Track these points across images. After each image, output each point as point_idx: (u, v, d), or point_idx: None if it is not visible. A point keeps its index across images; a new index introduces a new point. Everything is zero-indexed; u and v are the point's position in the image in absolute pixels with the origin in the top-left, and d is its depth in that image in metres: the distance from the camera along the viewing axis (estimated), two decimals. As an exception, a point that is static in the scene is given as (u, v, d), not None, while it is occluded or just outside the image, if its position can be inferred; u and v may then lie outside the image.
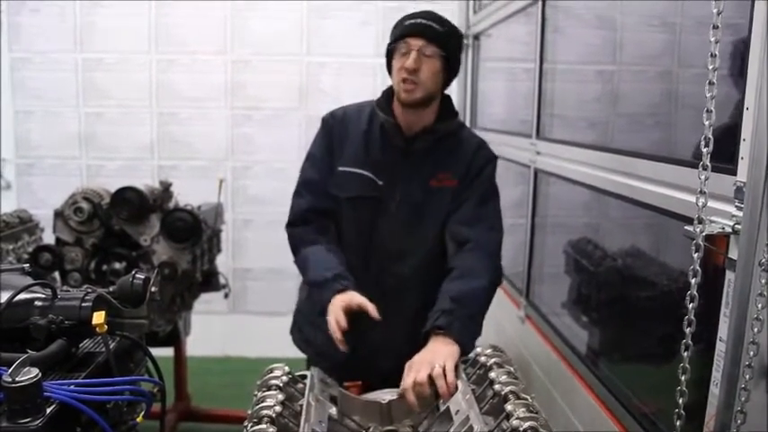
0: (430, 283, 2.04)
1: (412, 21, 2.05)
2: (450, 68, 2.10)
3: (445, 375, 1.63)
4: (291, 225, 2.21)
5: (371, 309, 1.87)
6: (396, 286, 2.14)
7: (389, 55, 2.11)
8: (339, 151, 2.17)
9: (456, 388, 1.58)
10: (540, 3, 2.90)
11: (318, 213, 2.16)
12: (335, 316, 1.86)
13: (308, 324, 2.25)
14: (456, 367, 1.66)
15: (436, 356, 1.70)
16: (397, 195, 2.12)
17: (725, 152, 1.36)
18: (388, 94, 2.17)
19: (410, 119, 2.12)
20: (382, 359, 1.99)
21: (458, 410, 1.48)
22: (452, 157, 2.15)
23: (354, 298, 1.90)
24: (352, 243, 2.16)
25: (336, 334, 1.83)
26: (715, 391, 1.36)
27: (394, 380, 1.74)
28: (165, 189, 3.08)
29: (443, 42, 2.05)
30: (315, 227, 2.16)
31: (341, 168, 2.15)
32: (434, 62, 2.03)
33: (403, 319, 2.06)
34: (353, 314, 1.88)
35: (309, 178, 2.21)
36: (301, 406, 1.47)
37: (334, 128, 2.20)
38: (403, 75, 2.02)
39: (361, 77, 4.36)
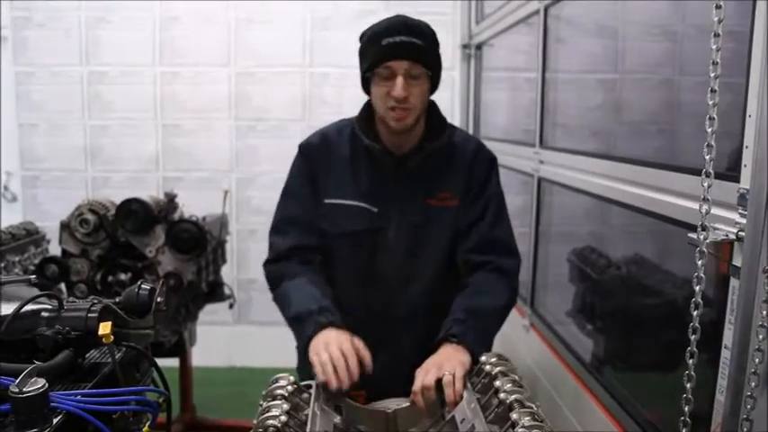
0: (440, 305, 1.92)
1: (391, 40, 1.80)
2: (435, 80, 1.93)
3: (454, 383, 1.60)
4: (271, 262, 2.03)
5: (367, 358, 1.71)
6: (404, 315, 1.99)
7: (366, 79, 1.90)
8: (324, 182, 1.99)
9: (461, 397, 1.58)
10: (542, 13, 2.91)
11: (305, 250, 1.99)
12: (329, 352, 1.67)
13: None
14: (464, 376, 1.65)
15: (448, 362, 1.66)
16: (395, 220, 1.96)
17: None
18: (368, 113, 1.98)
19: (397, 140, 1.96)
20: (390, 384, 1.82)
21: (463, 419, 1.48)
22: (449, 173, 1.99)
23: (348, 337, 1.73)
24: (350, 277, 2.00)
25: (330, 377, 1.64)
26: (720, 398, 1.36)
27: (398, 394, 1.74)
28: (170, 200, 3.09)
29: (429, 59, 1.87)
30: (297, 261, 1.97)
31: (329, 201, 1.98)
32: (423, 82, 1.86)
33: (413, 345, 1.90)
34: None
35: (292, 214, 2.02)
36: (307, 415, 1.47)
37: (315, 157, 2.02)
38: (390, 104, 1.83)
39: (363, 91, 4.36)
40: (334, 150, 2.01)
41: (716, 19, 1.23)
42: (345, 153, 1.99)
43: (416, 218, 1.96)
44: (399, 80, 1.79)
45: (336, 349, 1.67)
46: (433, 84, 1.92)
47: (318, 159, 2.01)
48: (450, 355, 1.70)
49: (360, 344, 1.72)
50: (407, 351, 1.81)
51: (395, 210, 1.96)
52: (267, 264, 2.04)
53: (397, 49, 1.80)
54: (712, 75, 1.24)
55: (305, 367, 2.04)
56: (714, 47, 1.23)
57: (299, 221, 2.00)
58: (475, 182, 2.01)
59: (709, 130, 1.26)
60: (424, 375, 1.64)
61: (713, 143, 1.26)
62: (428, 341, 1.81)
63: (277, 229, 2.04)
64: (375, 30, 1.86)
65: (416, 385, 1.64)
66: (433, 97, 1.99)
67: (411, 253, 1.98)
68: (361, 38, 1.93)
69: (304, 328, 1.78)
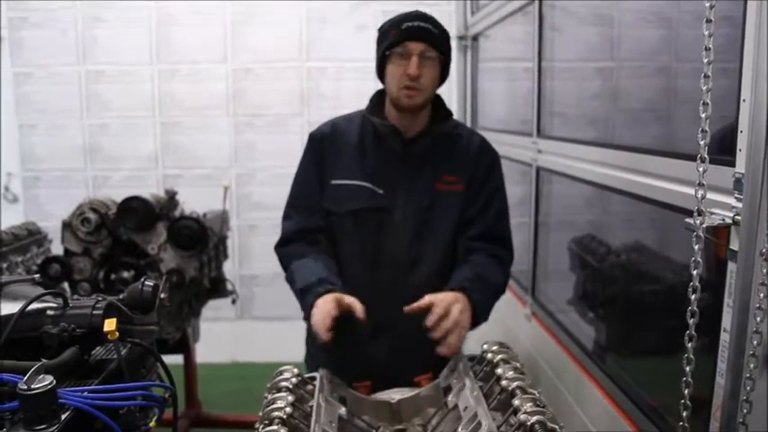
0: (442, 277, 1.99)
1: (410, 24, 1.96)
2: (445, 70, 2.06)
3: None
4: (281, 245, 2.13)
5: (359, 309, 1.81)
6: (410, 297, 1.91)
7: (383, 60, 2.02)
8: (332, 166, 2.08)
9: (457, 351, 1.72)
10: (537, 2, 2.91)
11: (309, 232, 2.08)
12: (322, 314, 1.78)
13: (319, 349, 2.10)
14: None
15: (464, 314, 1.80)
16: (401, 203, 2.03)
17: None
18: (378, 99, 2.11)
19: (406, 123, 2.04)
20: (397, 364, 1.94)
21: (466, 407, 1.49)
22: (455, 159, 2.08)
23: (343, 298, 1.82)
24: (356, 258, 2.06)
25: (321, 330, 1.76)
26: (720, 381, 1.37)
27: (401, 382, 1.77)
28: (171, 198, 3.10)
29: (442, 45, 2.00)
30: (305, 242, 2.07)
31: (335, 182, 2.06)
32: (434, 66, 1.98)
33: (418, 327, 1.84)
34: (344, 319, 1.80)
35: (298, 199, 2.13)
36: (311, 407, 1.49)
37: (324, 144, 2.11)
38: (405, 82, 1.95)
39: (362, 81, 4.33)
40: (343, 136, 2.10)
41: (708, 4, 1.24)
42: (354, 137, 2.09)
43: (423, 200, 2.03)
44: (414, 59, 1.93)
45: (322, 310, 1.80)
46: (443, 74, 2.05)
47: (326, 146, 2.10)
48: (464, 305, 1.82)
49: (350, 299, 1.83)
50: (413, 333, 1.81)
51: (401, 191, 2.03)
52: (277, 247, 2.14)
53: (415, 31, 1.95)
54: (705, 61, 1.25)
55: (310, 355, 2.19)
56: (706, 33, 1.24)
57: (304, 206, 2.10)
58: (479, 173, 2.08)
59: (703, 115, 1.27)
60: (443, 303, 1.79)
61: (707, 128, 1.27)
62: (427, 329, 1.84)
63: (286, 214, 2.15)
64: (396, 18, 2.01)
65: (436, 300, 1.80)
66: None
67: (417, 235, 2.04)
68: (381, 28, 2.05)
69: (306, 300, 1.88)
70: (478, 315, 1.88)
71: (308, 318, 1.87)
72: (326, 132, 2.13)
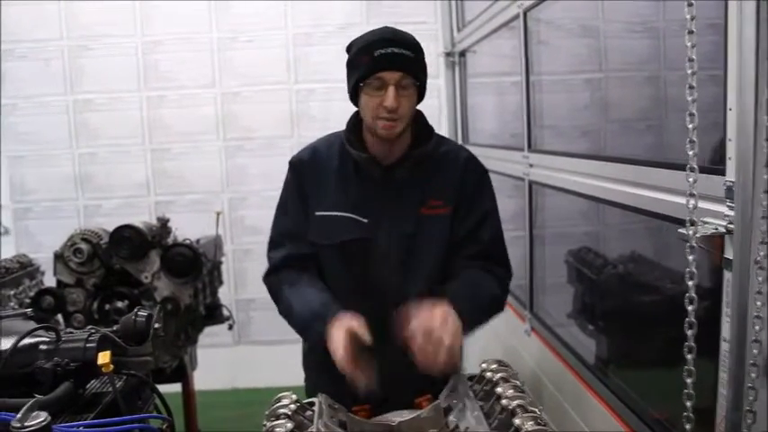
0: None
1: (383, 51, 1.82)
2: (422, 90, 1.93)
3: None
4: (269, 275, 2.05)
5: (363, 333, 1.69)
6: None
7: (356, 89, 1.89)
8: (314, 195, 2.00)
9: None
10: (521, 17, 2.93)
11: (299, 259, 2.00)
12: (337, 346, 1.67)
13: (318, 371, 2.06)
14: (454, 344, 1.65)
15: (445, 326, 1.64)
16: (385, 231, 1.95)
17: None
18: (355, 124, 2.00)
19: (386, 148, 1.95)
20: (390, 392, 1.78)
21: (467, 428, 1.47)
22: (440, 181, 1.98)
23: (350, 322, 1.71)
24: (345, 290, 1.96)
25: (348, 367, 1.64)
26: (723, 391, 1.36)
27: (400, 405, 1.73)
28: (163, 225, 3.08)
29: (418, 70, 1.89)
30: (293, 270, 1.99)
31: (319, 213, 1.98)
32: (412, 93, 1.88)
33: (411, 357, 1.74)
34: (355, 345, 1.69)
35: (284, 228, 2.05)
36: (311, 433, 1.47)
37: (304, 171, 2.03)
38: (382, 113, 1.84)
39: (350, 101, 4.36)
40: (324, 164, 2.02)
41: (688, 16, 1.25)
42: (334, 166, 2.00)
43: (408, 227, 1.95)
44: (391, 90, 1.82)
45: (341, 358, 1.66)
46: (420, 93, 1.93)
47: (308, 174, 2.02)
48: (449, 316, 1.67)
49: (360, 327, 1.71)
50: (405, 363, 1.70)
51: (385, 220, 1.96)
52: (266, 277, 2.07)
53: (390, 60, 1.82)
54: (689, 71, 1.26)
55: (310, 380, 2.13)
56: (689, 44, 1.25)
57: (291, 234, 2.02)
58: (467, 192, 1.99)
59: (690, 126, 1.27)
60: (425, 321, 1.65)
61: (695, 138, 1.28)
62: None
63: (272, 243, 2.07)
64: (366, 41, 1.88)
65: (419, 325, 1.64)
66: (420, 105, 2.00)
67: (403, 263, 1.96)
68: (349, 49, 1.94)
69: (313, 331, 1.80)
70: (469, 324, 1.74)
71: (316, 345, 1.80)
72: (306, 160, 2.05)
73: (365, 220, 1.96)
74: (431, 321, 1.65)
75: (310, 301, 1.88)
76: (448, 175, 2.00)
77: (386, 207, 1.96)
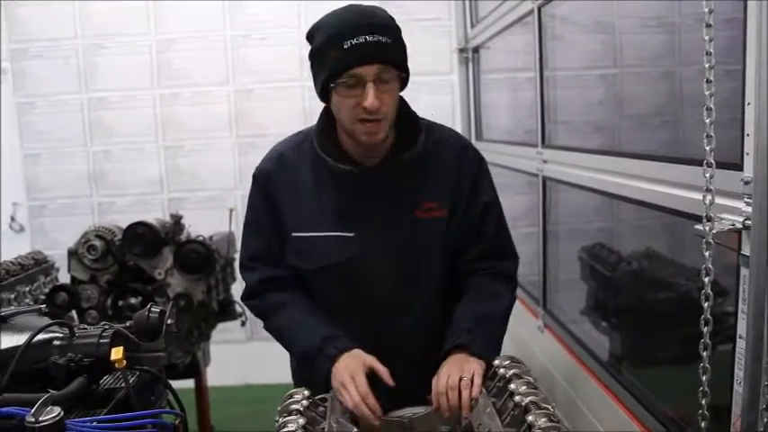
0: (437, 318, 1.76)
1: (354, 41, 1.51)
2: (405, 77, 1.64)
3: (472, 387, 1.52)
4: (248, 298, 1.86)
5: (385, 374, 1.58)
6: (399, 335, 1.76)
7: (325, 89, 1.60)
8: (287, 211, 1.74)
9: (476, 402, 1.56)
10: (536, 12, 2.91)
11: (273, 281, 1.79)
12: (364, 393, 1.55)
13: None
14: (482, 379, 1.58)
15: (465, 366, 1.56)
16: (377, 243, 1.71)
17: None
18: (326, 122, 1.71)
19: (368, 150, 1.68)
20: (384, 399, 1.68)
21: (480, 424, 1.47)
22: (434, 179, 1.73)
23: (366, 359, 1.60)
24: (337, 309, 1.76)
25: (369, 414, 1.54)
26: (739, 389, 1.35)
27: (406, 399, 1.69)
28: (176, 222, 3.09)
29: (399, 57, 1.59)
30: (271, 292, 1.80)
31: (297, 235, 1.73)
32: (394, 86, 1.59)
33: (407, 362, 1.69)
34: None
35: (255, 250, 1.81)
36: (323, 429, 1.47)
37: (272, 182, 1.77)
38: (361, 114, 1.56)
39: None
40: (293, 173, 1.75)
41: (706, 9, 1.23)
42: (306, 175, 1.74)
43: (402, 236, 1.72)
44: (370, 88, 1.53)
45: (354, 393, 1.56)
46: (403, 81, 1.64)
47: (276, 187, 1.76)
48: (464, 360, 1.61)
49: (378, 365, 1.61)
50: (404, 383, 1.62)
51: (374, 230, 1.71)
52: (245, 300, 1.90)
53: (364, 52, 1.52)
54: (707, 65, 1.24)
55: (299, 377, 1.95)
56: (707, 37, 1.23)
57: (264, 256, 1.81)
58: (465, 186, 1.76)
59: (707, 120, 1.26)
60: (447, 377, 1.56)
61: (712, 133, 1.26)
62: (427, 371, 1.64)
63: (244, 266, 1.86)
64: (331, 29, 1.56)
65: (440, 387, 1.55)
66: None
67: (402, 277, 1.75)
68: (310, 38, 1.63)
69: (316, 365, 1.66)
70: (488, 359, 1.62)
71: (327, 383, 1.63)
72: (273, 170, 1.78)
73: (351, 234, 1.71)
74: (450, 377, 1.56)
75: (306, 328, 1.72)
76: (441, 172, 1.75)
77: (373, 216, 1.71)
